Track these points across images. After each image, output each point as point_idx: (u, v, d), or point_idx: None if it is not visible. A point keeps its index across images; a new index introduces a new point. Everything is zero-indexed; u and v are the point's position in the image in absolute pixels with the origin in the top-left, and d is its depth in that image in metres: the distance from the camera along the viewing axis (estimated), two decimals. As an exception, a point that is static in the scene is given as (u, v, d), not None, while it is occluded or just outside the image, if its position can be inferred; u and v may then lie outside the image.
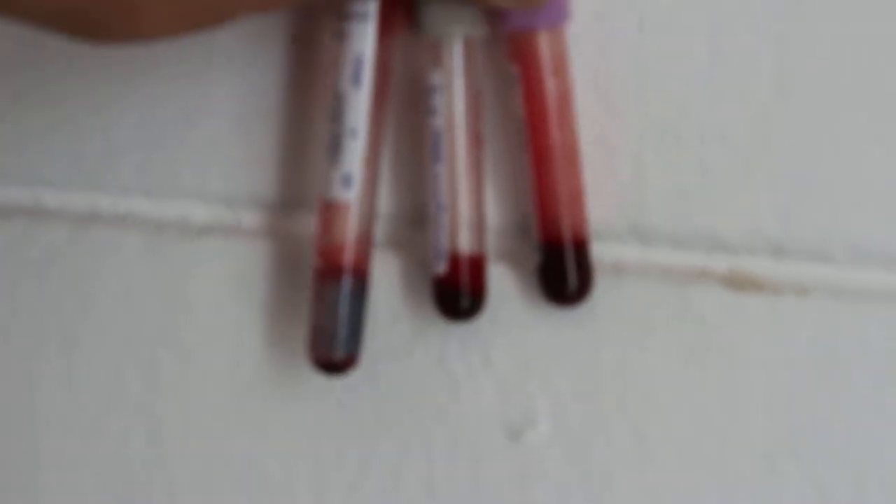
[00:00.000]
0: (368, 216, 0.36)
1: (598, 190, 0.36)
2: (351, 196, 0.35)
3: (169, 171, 0.38)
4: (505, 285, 0.37)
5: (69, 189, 0.39)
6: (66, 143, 0.39)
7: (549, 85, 0.35)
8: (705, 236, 0.36)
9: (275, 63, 0.37)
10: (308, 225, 0.37)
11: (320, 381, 0.38)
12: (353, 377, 0.37)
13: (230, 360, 0.38)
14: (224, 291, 0.38)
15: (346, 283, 0.36)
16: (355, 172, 0.35)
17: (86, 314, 0.39)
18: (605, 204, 0.36)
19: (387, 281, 0.37)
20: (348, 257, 0.36)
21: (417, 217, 0.37)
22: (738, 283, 0.36)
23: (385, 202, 0.37)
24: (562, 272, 0.36)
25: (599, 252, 0.36)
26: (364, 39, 0.35)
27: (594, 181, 0.36)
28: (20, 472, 0.40)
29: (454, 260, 0.36)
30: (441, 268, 0.36)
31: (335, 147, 0.35)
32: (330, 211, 0.36)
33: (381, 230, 0.37)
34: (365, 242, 0.36)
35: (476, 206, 0.36)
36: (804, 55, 0.36)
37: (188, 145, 0.38)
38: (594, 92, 0.36)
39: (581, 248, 0.36)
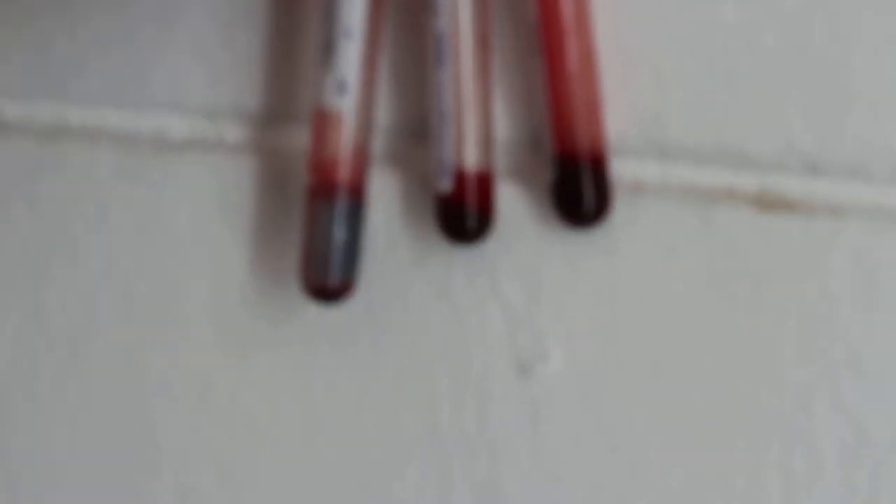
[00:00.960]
0: (365, 127, 0.34)
1: (616, 101, 0.35)
2: (346, 103, 0.34)
3: (143, 79, 0.37)
4: (514, 205, 0.35)
5: (32, 100, 0.38)
6: (28, 50, 0.37)
7: None
8: (732, 152, 0.35)
9: None
10: (298, 139, 0.36)
11: (313, 311, 0.36)
12: (348, 307, 0.36)
13: (213, 288, 0.37)
14: (206, 213, 0.37)
15: (342, 202, 0.34)
16: (351, 77, 0.34)
17: (53, 239, 0.38)
18: (623, 116, 0.35)
19: (385, 200, 0.36)
20: (343, 173, 0.34)
21: (419, 129, 0.36)
22: (769, 203, 0.35)
23: (383, 113, 0.36)
24: (578, 190, 0.34)
25: (617, 169, 0.35)
26: (360, -68, 0.33)
27: (611, 92, 0.35)
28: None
29: (459, 176, 0.34)
30: (445, 185, 0.34)
31: (328, 49, 0.34)
32: (322, 121, 0.34)
33: (378, 144, 0.36)
34: (361, 156, 0.34)
35: (483, 117, 0.34)
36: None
37: (165, 54, 0.37)
38: None
39: (599, 163, 0.34)
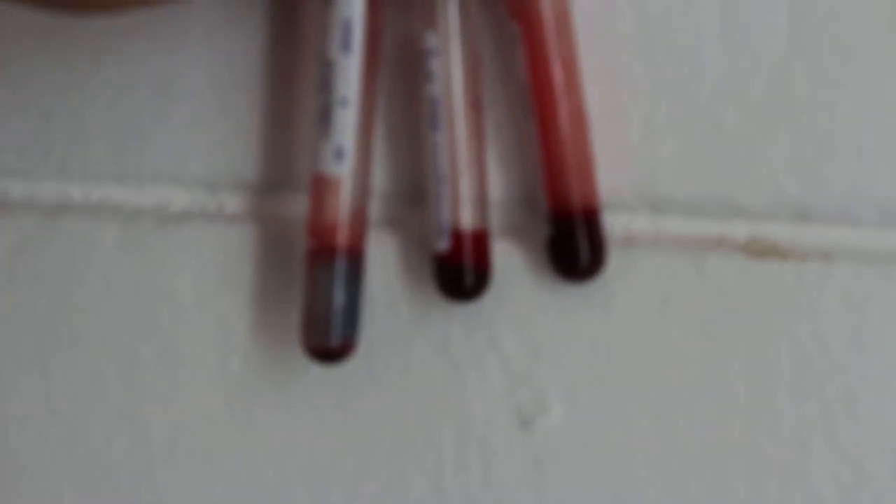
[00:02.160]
0: (363, 191, 0.35)
1: (607, 157, 0.35)
2: (344, 170, 0.34)
3: (144, 154, 0.37)
4: (511, 262, 0.36)
5: (37, 178, 0.38)
6: (32, 129, 0.38)
7: (554, 44, 0.34)
8: (722, 203, 0.35)
9: (255, 32, 0.36)
10: (296, 207, 0.36)
11: (316, 372, 0.37)
12: (350, 367, 0.36)
13: (218, 354, 0.37)
14: (208, 282, 0.37)
15: (341, 264, 0.34)
16: (348, 144, 0.34)
17: (60, 312, 0.38)
18: (615, 172, 0.35)
19: (384, 261, 0.36)
20: (342, 236, 0.34)
21: (415, 192, 0.36)
22: (760, 250, 0.35)
23: (380, 177, 0.36)
24: (573, 245, 0.35)
25: (610, 223, 0.35)
26: (352, 1, 0.34)
27: (603, 148, 0.35)
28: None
29: (456, 236, 0.35)
30: (443, 245, 0.35)
31: (325, 118, 0.34)
32: (321, 186, 0.34)
33: (376, 207, 0.36)
34: (360, 220, 0.35)
35: (478, 178, 0.35)
36: (820, 4, 0.35)
37: (164, 126, 0.37)
38: (599, 52, 0.35)
39: (592, 218, 0.35)
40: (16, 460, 0.38)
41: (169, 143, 0.37)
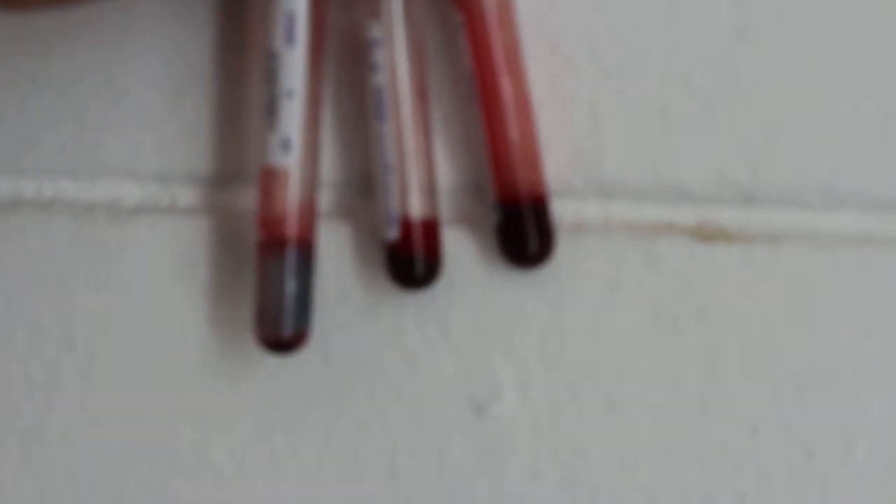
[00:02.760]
0: (311, 182, 0.35)
1: (554, 144, 0.35)
2: (291, 161, 0.34)
3: (95, 149, 0.37)
4: (461, 249, 0.36)
5: None
6: None
7: (496, 32, 0.34)
8: (670, 188, 0.36)
9: (203, 25, 0.36)
10: (249, 199, 0.36)
11: (270, 363, 0.37)
12: (304, 356, 0.36)
13: (173, 347, 0.37)
14: (162, 275, 0.37)
15: (291, 256, 0.35)
16: (294, 136, 0.34)
17: (12, 308, 0.38)
18: (562, 159, 0.36)
19: (335, 252, 0.36)
20: (291, 227, 0.35)
21: (365, 182, 0.36)
22: (708, 234, 0.36)
23: (330, 168, 0.36)
24: (521, 232, 0.35)
25: (559, 210, 0.36)
26: (296, -7, 0.34)
27: (549, 135, 0.35)
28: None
29: (406, 225, 0.35)
30: (392, 234, 0.35)
31: (271, 110, 0.34)
32: (269, 178, 0.35)
33: (327, 198, 0.36)
34: (309, 211, 0.35)
35: (426, 167, 0.35)
36: (764, -10, 0.35)
37: (114, 120, 0.37)
38: (543, 39, 0.36)
39: (540, 205, 0.35)
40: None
41: (120, 137, 0.37)
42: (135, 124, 0.37)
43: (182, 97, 0.37)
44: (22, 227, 0.38)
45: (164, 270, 0.37)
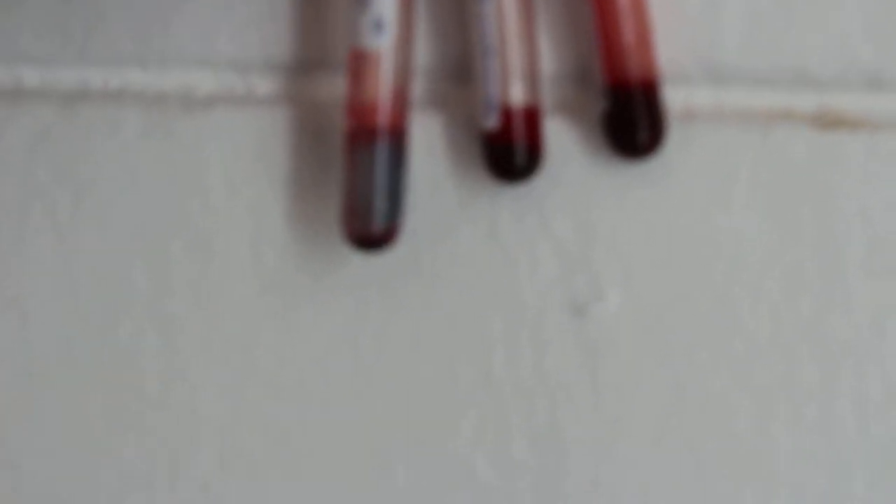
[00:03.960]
0: (405, 67, 0.34)
1: (666, 24, 0.34)
2: (384, 43, 0.34)
3: (167, 35, 0.37)
4: (564, 140, 0.35)
5: (53, 65, 0.37)
6: (47, 11, 0.37)
7: None
8: (789, 71, 0.35)
9: None
10: (332, 88, 0.36)
11: (357, 262, 0.36)
12: (393, 255, 0.36)
13: (251, 247, 0.37)
14: (239, 169, 0.37)
15: (383, 145, 0.34)
16: (387, 15, 0.34)
17: (81, 206, 0.37)
18: (675, 41, 0.35)
19: (428, 142, 0.35)
20: (383, 116, 0.34)
21: (461, 68, 0.35)
22: (830, 121, 0.35)
23: (422, 52, 0.35)
24: (631, 120, 0.34)
25: (670, 96, 0.35)
26: None
27: (661, 14, 0.34)
28: (13, 393, 0.38)
29: (506, 112, 0.34)
30: (491, 122, 0.34)
31: None
32: (360, 62, 0.34)
33: (419, 84, 0.35)
34: (402, 98, 0.34)
35: (529, 50, 0.34)
36: None
37: (188, 4, 0.36)
38: None
39: (651, 91, 0.34)
40: (40, 360, 0.37)
41: (194, 22, 0.36)
42: (210, 8, 0.36)
43: None
44: (89, 119, 0.37)
45: (241, 164, 0.37)
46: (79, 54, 0.37)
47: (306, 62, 0.36)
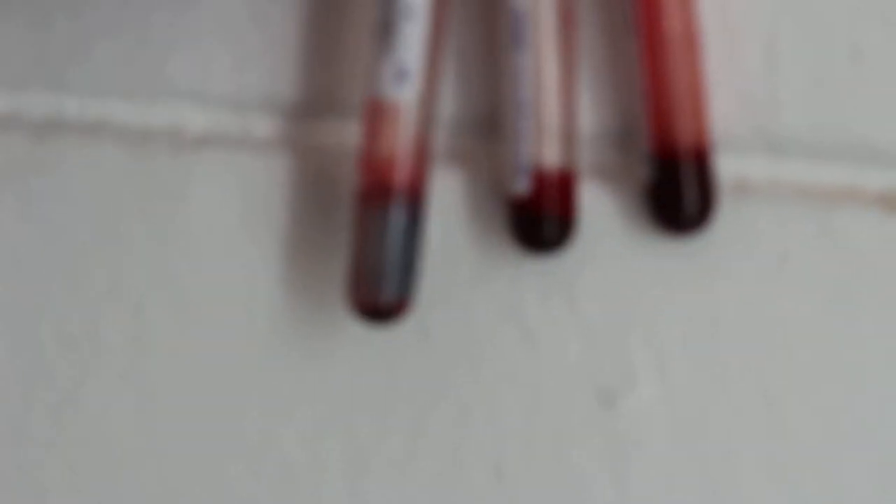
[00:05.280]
0: (427, 121, 0.34)
1: (721, 86, 0.34)
2: (406, 94, 0.33)
3: (157, 65, 0.36)
4: (600, 209, 0.35)
5: (25, 90, 0.37)
6: (21, 32, 0.36)
7: None
8: (855, 145, 0.34)
9: None
10: (341, 135, 0.35)
11: (357, 333, 0.35)
12: (401, 328, 0.35)
13: (241, 310, 0.36)
14: (232, 220, 0.36)
15: (398, 207, 0.33)
16: (412, 64, 0.33)
17: (52, 248, 0.36)
18: (730, 105, 0.34)
19: (448, 204, 0.35)
20: (401, 174, 0.33)
21: (490, 123, 0.35)
22: None
23: (447, 104, 0.35)
24: (678, 191, 0.34)
25: (722, 166, 0.34)
26: None
27: (716, 75, 0.34)
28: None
29: (538, 176, 0.33)
30: (521, 186, 0.34)
31: (386, 31, 0.33)
32: (378, 113, 0.34)
33: (441, 139, 0.35)
34: (422, 155, 0.34)
35: (567, 108, 0.34)
36: None
37: (182, 31, 0.36)
38: None
39: (703, 160, 0.34)
40: (8, 424, 0.37)
41: (187, 52, 0.36)
42: (206, 37, 0.36)
43: (267, 5, 0.36)
44: (62, 153, 0.37)
45: (233, 215, 0.36)
46: (54, 79, 0.37)
47: (312, 104, 0.36)
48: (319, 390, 0.36)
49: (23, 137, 0.37)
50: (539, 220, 0.34)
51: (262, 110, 0.36)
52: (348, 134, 0.35)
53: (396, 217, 0.33)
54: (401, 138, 0.33)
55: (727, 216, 0.34)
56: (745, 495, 0.35)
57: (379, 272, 0.33)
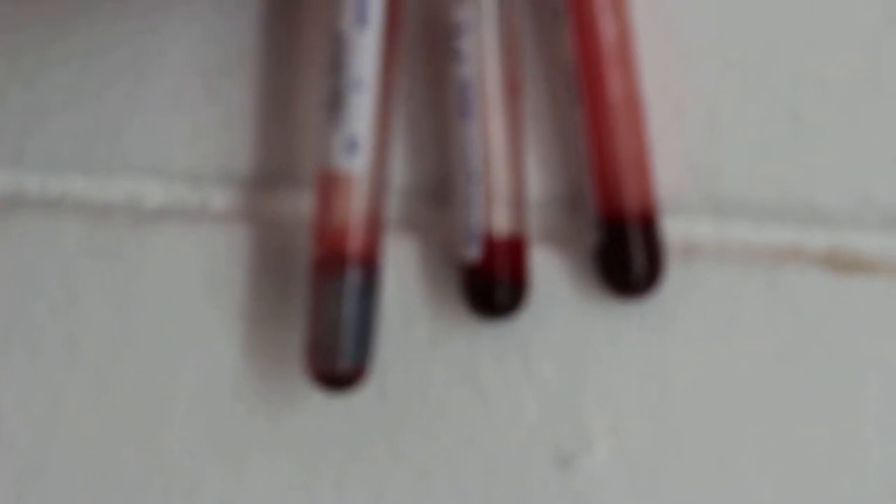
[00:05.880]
0: (379, 190, 0.34)
1: (666, 151, 0.34)
2: (357, 165, 0.33)
3: (114, 139, 0.37)
4: (551, 273, 0.35)
5: None
6: None
7: (606, 21, 0.33)
8: (799, 206, 0.35)
9: None
10: (295, 205, 0.36)
11: (316, 400, 0.36)
12: (360, 395, 0.35)
13: (200, 380, 0.36)
14: (189, 291, 0.36)
15: (353, 276, 0.34)
16: (362, 135, 0.33)
17: (9, 326, 0.37)
18: (673, 169, 0.35)
19: (401, 271, 0.35)
20: (354, 243, 0.34)
21: (440, 191, 0.35)
22: (843, 263, 0.34)
23: (399, 173, 0.35)
24: (626, 254, 0.34)
25: (669, 229, 0.34)
26: (369, -35, 0.33)
27: (660, 140, 0.34)
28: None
29: (489, 242, 0.34)
30: (472, 253, 0.34)
31: (336, 103, 0.34)
32: (330, 184, 0.34)
33: (394, 208, 0.35)
34: (375, 224, 0.34)
35: (515, 175, 0.34)
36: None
37: (138, 105, 0.36)
38: (659, 29, 0.35)
39: (649, 224, 0.34)
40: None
41: (144, 129, 0.36)
42: (163, 111, 0.36)
43: (222, 79, 0.36)
44: (22, 229, 0.37)
45: (192, 286, 0.36)
46: (13, 156, 0.37)
47: (267, 175, 0.36)
48: (279, 455, 0.36)
49: (-17, 213, 0.37)
50: (491, 285, 0.34)
51: (219, 182, 0.36)
52: (304, 204, 0.35)
53: (351, 286, 0.33)
54: (353, 208, 0.33)
55: (676, 278, 0.34)
56: (700, 552, 0.35)
57: (334, 341, 0.33)
